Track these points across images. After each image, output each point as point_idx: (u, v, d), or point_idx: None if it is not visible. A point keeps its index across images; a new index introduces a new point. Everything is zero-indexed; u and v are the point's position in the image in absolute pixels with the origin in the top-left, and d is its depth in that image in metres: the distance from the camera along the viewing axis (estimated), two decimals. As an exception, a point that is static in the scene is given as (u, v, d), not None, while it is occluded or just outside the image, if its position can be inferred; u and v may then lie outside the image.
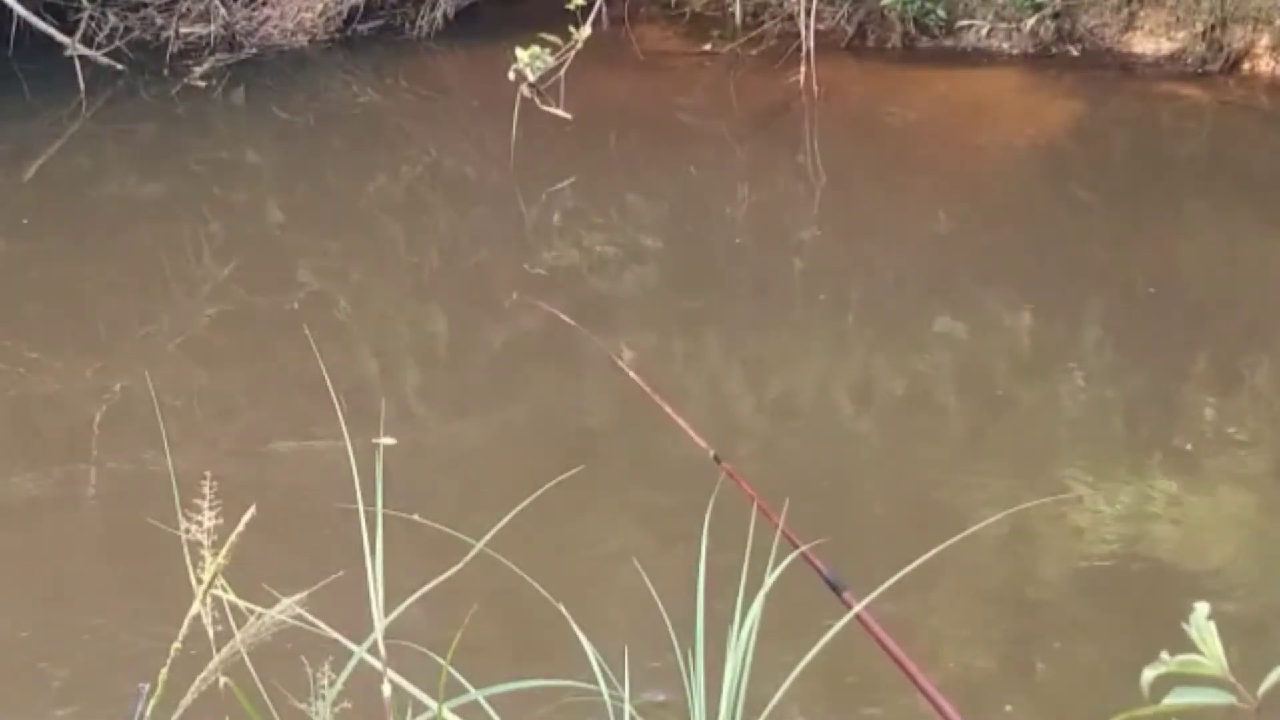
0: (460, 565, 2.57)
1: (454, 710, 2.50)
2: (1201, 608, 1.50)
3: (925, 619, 4.52)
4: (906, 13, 9.01)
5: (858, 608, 2.06)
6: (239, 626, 2.28)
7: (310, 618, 2.39)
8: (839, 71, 8.76)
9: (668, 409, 2.07)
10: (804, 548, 2.02)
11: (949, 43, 9.07)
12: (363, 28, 9.73)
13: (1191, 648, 1.58)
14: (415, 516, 3.26)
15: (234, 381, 6.18)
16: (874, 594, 2.50)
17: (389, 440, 5.38)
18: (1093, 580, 4.68)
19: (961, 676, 4.39)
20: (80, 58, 9.11)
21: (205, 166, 8.41)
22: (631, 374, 2.18)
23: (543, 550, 4.43)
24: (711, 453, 1.99)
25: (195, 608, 2.25)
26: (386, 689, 2.36)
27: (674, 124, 8.70)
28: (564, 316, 2.34)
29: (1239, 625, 4.17)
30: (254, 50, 9.54)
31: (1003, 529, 4.58)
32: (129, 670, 4.22)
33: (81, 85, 8.90)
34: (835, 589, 1.99)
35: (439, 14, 9.71)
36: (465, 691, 2.53)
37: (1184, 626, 1.51)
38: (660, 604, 2.75)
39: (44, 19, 9.29)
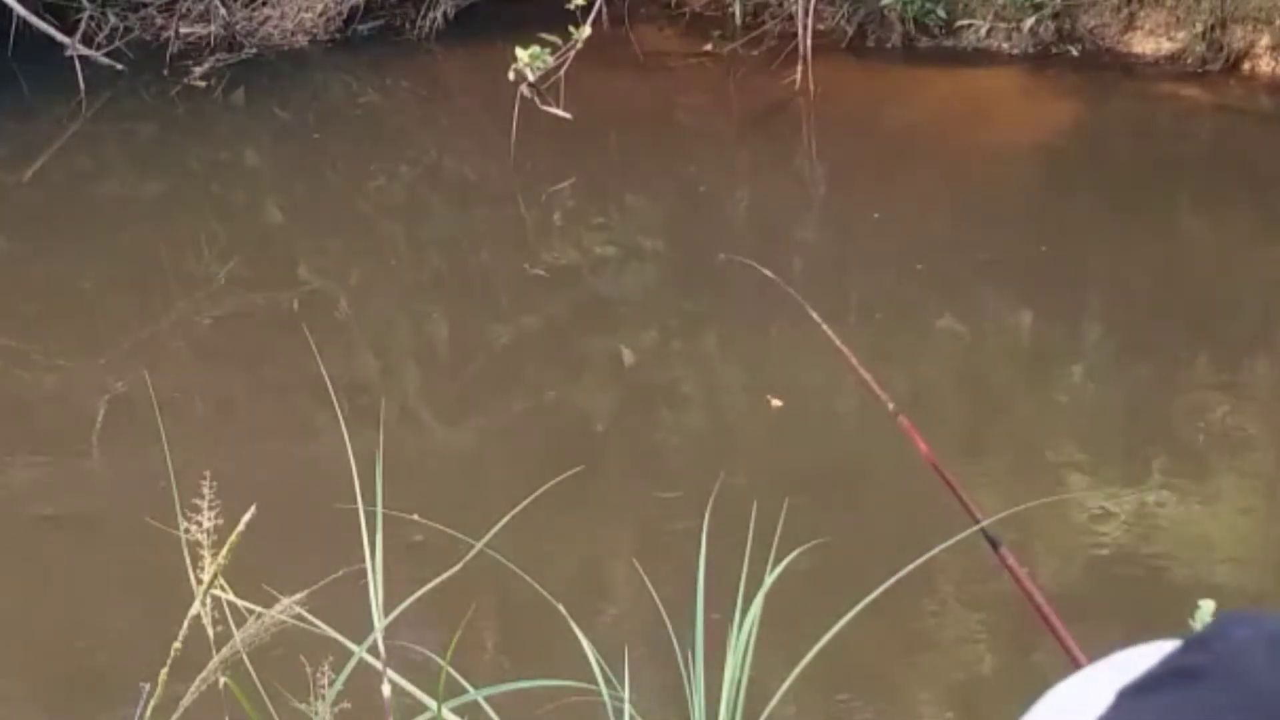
0: (460, 565, 2.56)
1: (454, 710, 2.50)
2: (1207, 605, 1.51)
3: (925, 619, 4.52)
4: (906, 13, 9.01)
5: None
6: (239, 626, 2.28)
7: (310, 618, 2.39)
8: (839, 71, 8.75)
9: (854, 361, 2.08)
10: (964, 502, 2.01)
11: (949, 43, 9.06)
12: (363, 28, 9.71)
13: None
14: (415, 516, 3.26)
15: (234, 381, 6.18)
16: (874, 594, 2.50)
17: (778, 402, 5.58)
18: (1096, 579, 4.68)
19: (963, 677, 4.40)
20: (80, 58, 9.10)
21: (205, 166, 8.41)
22: (816, 316, 2.18)
23: (543, 550, 4.43)
24: (890, 405, 1.99)
25: (195, 608, 2.25)
26: (386, 689, 2.35)
27: (674, 124, 8.69)
28: (769, 273, 2.34)
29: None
30: (254, 50, 9.53)
31: (1003, 529, 4.57)
32: (129, 670, 4.22)
33: (81, 85, 8.89)
34: (993, 544, 1.99)
35: (439, 14, 9.69)
36: (465, 691, 2.53)
37: (1190, 624, 1.51)
38: (660, 604, 2.75)
39: (44, 19, 9.27)
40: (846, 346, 2.25)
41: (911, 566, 2.46)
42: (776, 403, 5.64)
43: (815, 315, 2.11)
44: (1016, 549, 4.81)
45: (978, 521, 1.93)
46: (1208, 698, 0.71)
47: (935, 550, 2.55)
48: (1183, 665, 0.74)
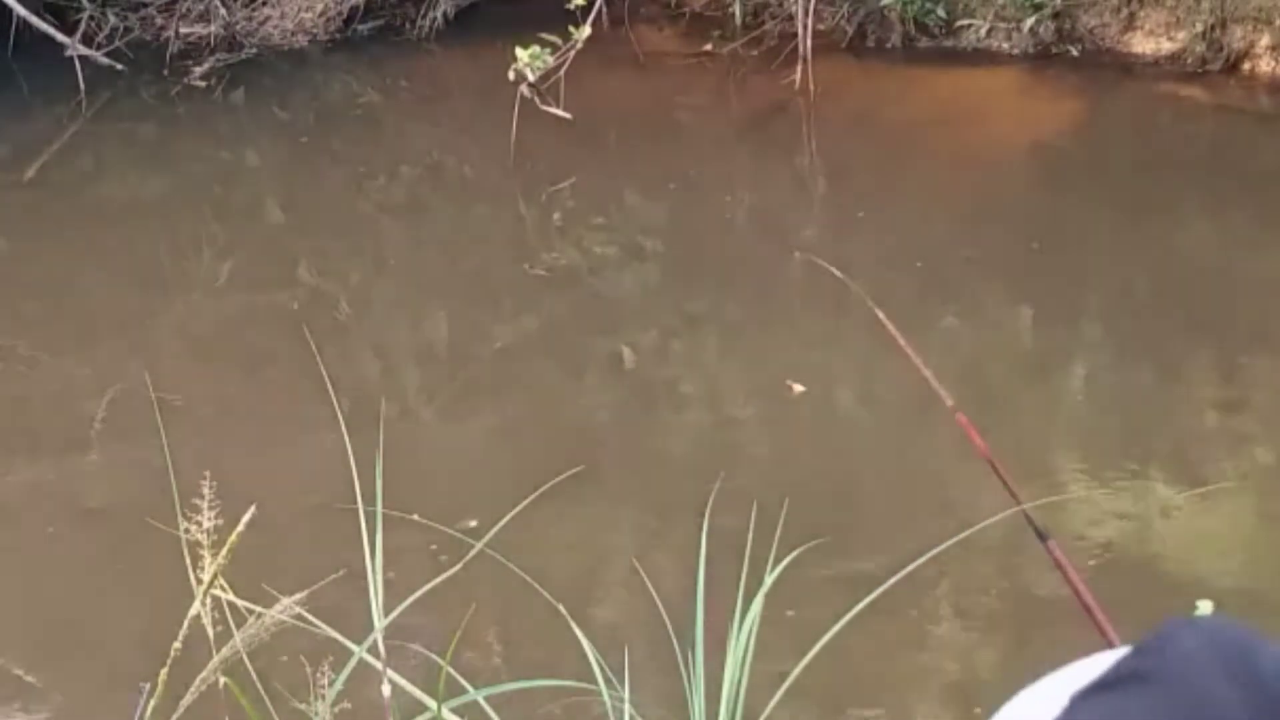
0: (460, 565, 2.57)
1: (454, 710, 2.50)
2: (1205, 606, 1.51)
3: (925, 619, 4.52)
4: (906, 13, 9.01)
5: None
6: (239, 626, 2.28)
7: (310, 618, 2.39)
8: (839, 71, 8.76)
9: (912, 354, 2.07)
10: (1014, 494, 2.01)
11: (949, 43, 9.06)
12: (363, 28, 9.72)
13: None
14: (415, 516, 3.26)
15: (234, 381, 6.18)
16: (873, 595, 2.50)
17: (800, 387, 5.65)
18: (1095, 579, 4.67)
19: (961, 677, 4.40)
20: (80, 58, 9.10)
21: (205, 166, 8.41)
22: (882, 316, 2.16)
23: (543, 550, 4.43)
24: (949, 403, 1.99)
25: (195, 608, 2.25)
26: (386, 689, 2.36)
27: (674, 124, 8.69)
28: (838, 273, 2.31)
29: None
30: (254, 50, 9.53)
31: (1002, 529, 4.58)
32: (129, 670, 4.22)
33: (81, 85, 8.90)
34: (1041, 537, 2.00)
35: (439, 14, 9.69)
36: (465, 691, 2.53)
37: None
38: (660, 604, 2.75)
39: (44, 19, 9.28)
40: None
41: (911, 567, 2.46)
42: (798, 388, 5.66)
43: (881, 315, 2.10)
44: (1015, 548, 4.82)
45: (1028, 516, 1.94)
46: (1154, 701, 0.74)
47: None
48: (1132, 669, 0.76)
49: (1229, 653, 0.75)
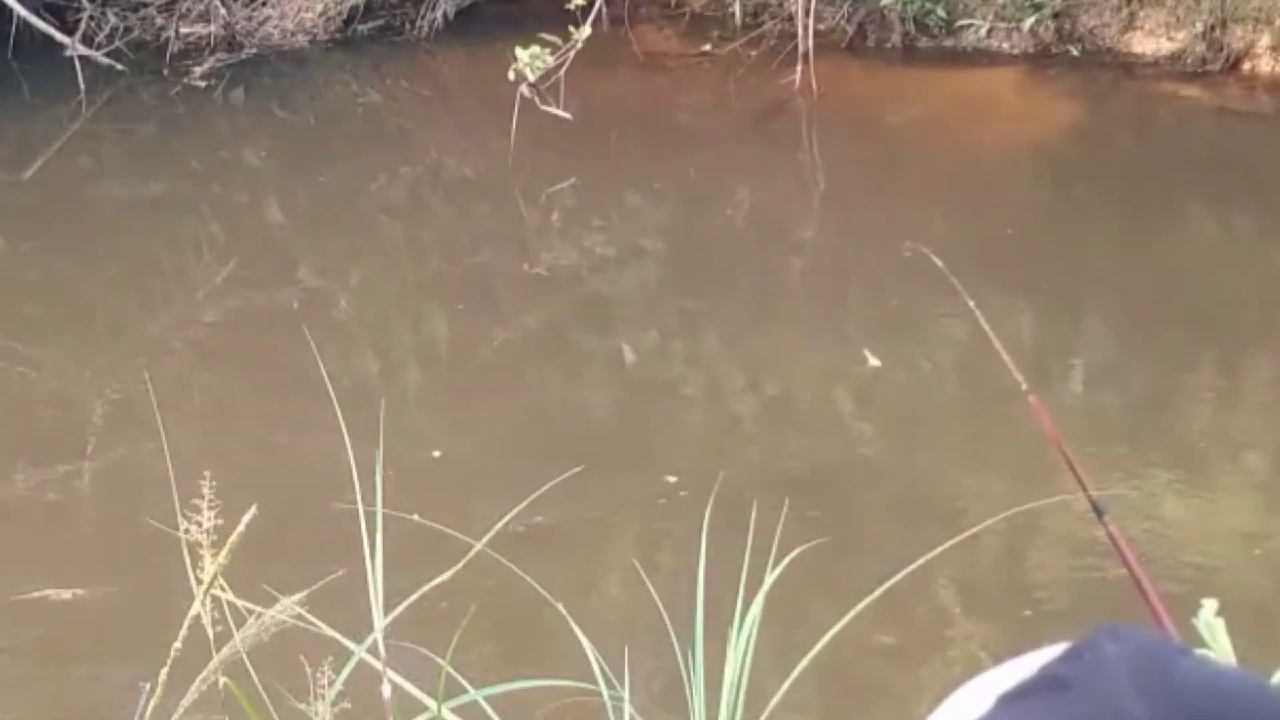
0: (460, 565, 2.56)
1: (454, 710, 2.50)
2: (1210, 604, 1.52)
3: (926, 619, 4.51)
4: (906, 13, 9.00)
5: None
6: (239, 626, 2.28)
7: (310, 618, 2.39)
8: (839, 71, 8.75)
9: (996, 343, 2.06)
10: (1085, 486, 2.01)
11: (949, 43, 9.06)
12: (363, 28, 9.71)
13: (1201, 644, 1.59)
14: (415, 516, 3.26)
15: (234, 381, 6.18)
16: (874, 595, 2.50)
17: (875, 361, 5.68)
18: (1097, 579, 4.67)
19: (963, 677, 4.39)
20: (80, 58, 9.09)
21: (205, 166, 8.41)
22: (972, 305, 2.14)
23: (542, 550, 4.43)
24: (1023, 386, 1.99)
25: (195, 608, 2.25)
26: (386, 689, 2.35)
27: (674, 124, 8.69)
28: (939, 262, 2.31)
29: (1245, 622, 4.16)
30: (254, 50, 9.53)
31: (1004, 529, 4.58)
32: (129, 670, 4.22)
33: (81, 85, 8.89)
34: (1098, 511, 2.00)
35: (439, 14, 9.69)
36: (465, 691, 2.53)
37: (1193, 622, 1.52)
38: (660, 604, 2.75)
39: (44, 19, 9.27)
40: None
41: (912, 567, 2.46)
42: (874, 361, 5.68)
43: (972, 304, 2.09)
44: (1014, 548, 4.82)
45: (1089, 495, 1.94)
46: (1070, 708, 0.75)
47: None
48: (1054, 675, 0.77)
49: (1144, 664, 0.75)
